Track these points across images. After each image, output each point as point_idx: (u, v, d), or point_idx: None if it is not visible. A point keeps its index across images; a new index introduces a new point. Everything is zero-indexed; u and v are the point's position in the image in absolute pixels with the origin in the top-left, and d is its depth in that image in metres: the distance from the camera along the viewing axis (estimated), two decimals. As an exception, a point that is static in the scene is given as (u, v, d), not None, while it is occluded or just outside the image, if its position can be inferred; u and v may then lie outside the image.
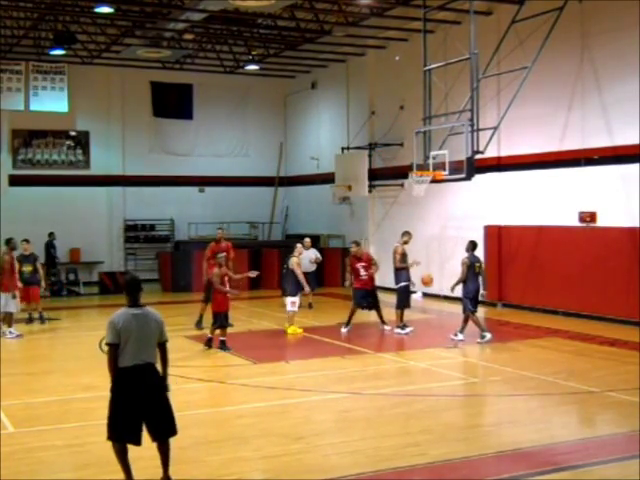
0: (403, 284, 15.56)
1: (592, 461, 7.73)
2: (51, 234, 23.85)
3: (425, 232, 21.89)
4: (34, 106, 24.70)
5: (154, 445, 8.22)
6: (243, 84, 27.81)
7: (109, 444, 8.37)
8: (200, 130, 27.70)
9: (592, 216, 16.98)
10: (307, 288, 15.87)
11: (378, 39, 22.88)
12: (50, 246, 23.82)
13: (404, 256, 15.51)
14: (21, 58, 24.16)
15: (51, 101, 24.91)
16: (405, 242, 15.70)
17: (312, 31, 22.00)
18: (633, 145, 15.93)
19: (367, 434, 8.73)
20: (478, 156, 16.24)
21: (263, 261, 24.86)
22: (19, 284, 15.47)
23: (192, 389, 11.06)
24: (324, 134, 26.85)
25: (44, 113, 24.94)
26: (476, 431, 8.86)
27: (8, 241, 15.75)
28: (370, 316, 20.35)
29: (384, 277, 23.70)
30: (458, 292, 14.58)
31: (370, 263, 15.76)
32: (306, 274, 19.10)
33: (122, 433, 6.82)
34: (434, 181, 16.74)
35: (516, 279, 18.79)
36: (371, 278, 15.73)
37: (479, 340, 14.21)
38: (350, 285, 16.04)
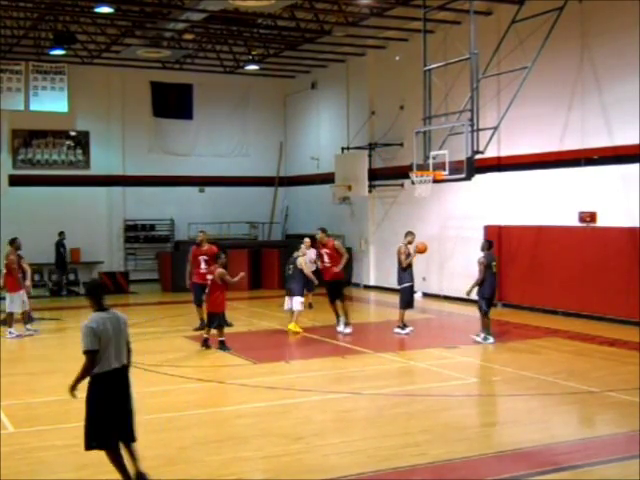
0: (407, 284, 15.55)
1: (592, 461, 7.73)
2: (61, 233, 23.96)
3: (425, 232, 21.84)
4: (34, 106, 24.70)
5: (154, 445, 8.24)
6: (243, 84, 27.81)
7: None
8: (200, 130, 27.70)
9: (592, 216, 16.98)
10: (316, 281, 16.43)
11: (378, 39, 22.88)
12: (60, 245, 23.90)
13: (408, 256, 15.49)
14: (21, 58, 24.16)
15: (51, 101, 24.91)
16: (409, 242, 15.68)
17: (312, 31, 22.00)
18: (633, 145, 15.93)
19: (367, 434, 8.73)
20: (478, 156, 16.24)
21: (263, 261, 24.88)
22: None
23: (192, 389, 11.07)
24: (324, 134, 26.86)
25: (44, 113, 24.94)
26: (476, 431, 8.86)
27: (12, 241, 15.78)
28: (370, 316, 20.38)
29: (386, 277, 23.77)
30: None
31: (335, 252, 15.74)
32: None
33: (112, 437, 6.76)
34: (434, 181, 16.73)
35: (516, 279, 18.79)
36: (330, 269, 15.69)
37: (479, 339, 14.22)
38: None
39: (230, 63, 25.66)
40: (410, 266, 15.44)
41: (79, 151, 26.20)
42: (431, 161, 16.74)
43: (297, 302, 15.71)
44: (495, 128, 16.81)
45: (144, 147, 26.94)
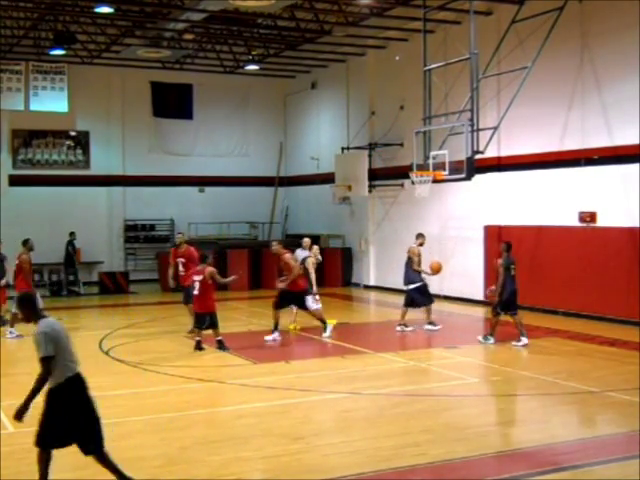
0: (419, 284, 15.68)
1: (592, 461, 7.73)
2: (72, 233, 24.06)
3: (425, 232, 21.72)
4: (34, 106, 24.71)
5: (154, 445, 8.24)
6: (243, 84, 27.81)
7: (109, 444, 8.37)
8: (200, 130, 27.69)
9: (592, 216, 16.98)
10: (315, 289, 15.91)
11: (378, 39, 22.88)
12: (70, 245, 23.94)
13: (420, 257, 15.67)
14: (21, 58, 24.16)
15: (51, 101, 24.92)
16: (421, 244, 15.90)
17: (312, 31, 21.99)
18: (633, 145, 15.93)
19: (367, 434, 8.73)
20: (478, 156, 16.24)
21: (263, 261, 24.88)
22: None
23: (192, 389, 11.07)
24: (324, 134, 26.85)
25: (44, 113, 24.95)
26: (476, 431, 8.85)
27: (26, 242, 15.90)
28: (370, 316, 20.38)
29: (386, 277, 23.78)
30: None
31: (286, 265, 14.98)
32: (306, 274, 19.19)
33: (62, 440, 6.67)
34: (434, 181, 16.74)
35: (516, 279, 18.74)
36: (293, 280, 14.91)
37: (480, 339, 14.22)
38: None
39: (230, 63, 25.66)
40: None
41: (79, 151, 26.20)
42: (431, 161, 16.74)
43: (310, 300, 15.75)
44: (495, 128, 16.81)
45: (144, 147, 26.94)
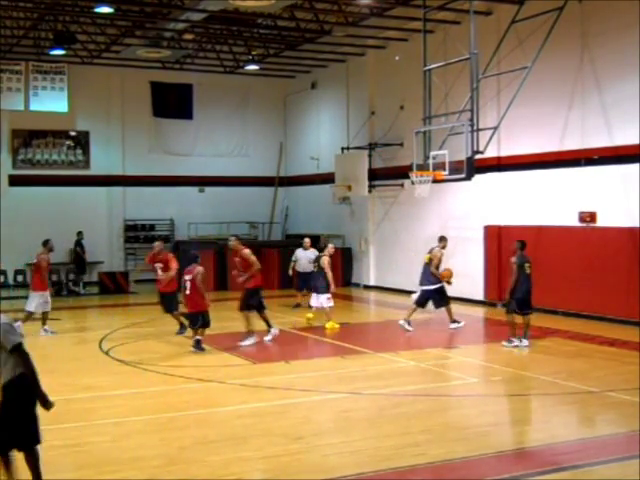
0: (438, 285, 15.75)
1: (592, 461, 7.73)
2: (80, 233, 24.14)
3: (425, 232, 21.86)
4: (34, 106, 24.70)
5: (154, 445, 8.25)
6: (243, 84, 27.80)
7: (109, 444, 8.40)
8: (200, 130, 27.68)
9: (592, 216, 16.98)
10: (333, 287, 16.28)
11: (378, 39, 22.88)
12: (78, 245, 23.95)
13: (440, 261, 15.79)
14: (21, 58, 24.15)
15: (51, 101, 24.91)
16: (443, 247, 16.01)
17: (312, 31, 21.99)
18: (633, 145, 15.92)
19: (367, 434, 8.73)
20: (478, 156, 16.24)
21: (263, 261, 24.82)
22: None
23: (192, 389, 11.07)
24: (324, 134, 26.85)
25: (44, 113, 24.94)
26: (476, 431, 8.85)
27: (46, 242, 16.23)
28: (370, 316, 20.38)
29: (386, 277, 23.79)
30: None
31: (245, 261, 14.47)
32: (305, 274, 19.23)
33: (10, 441, 6.52)
34: (434, 181, 16.74)
35: (531, 278, 18.73)
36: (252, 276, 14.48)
37: (504, 342, 13.93)
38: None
39: (230, 63, 25.65)
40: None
41: (79, 151, 26.19)
42: (431, 161, 16.74)
43: (325, 299, 16.09)
44: (495, 128, 16.81)
45: (144, 147, 26.94)
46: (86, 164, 26.26)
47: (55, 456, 8.03)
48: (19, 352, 6.41)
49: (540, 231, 18.07)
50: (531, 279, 13.96)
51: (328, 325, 16.09)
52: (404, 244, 22.87)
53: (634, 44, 15.71)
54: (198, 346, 13.50)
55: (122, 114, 26.54)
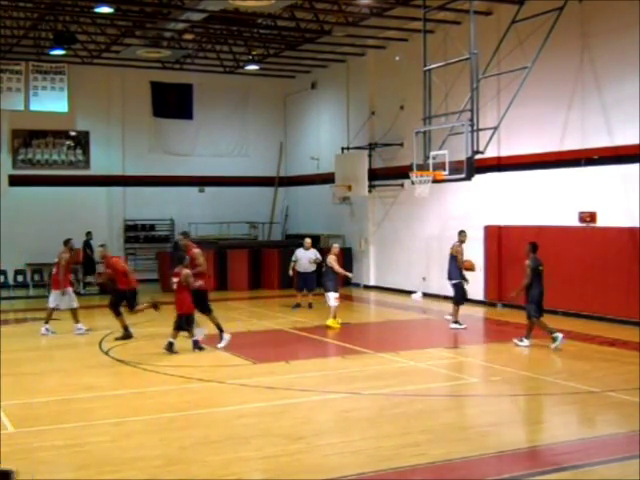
0: (456, 281, 16.04)
1: (592, 461, 7.72)
2: (89, 233, 24.17)
3: (425, 232, 21.92)
4: (34, 106, 24.71)
5: (154, 445, 8.25)
6: (243, 84, 27.81)
7: (109, 444, 8.40)
8: (200, 130, 27.70)
9: (592, 216, 16.98)
10: (350, 275, 17.03)
11: (378, 39, 22.88)
12: (86, 245, 23.97)
13: (462, 255, 16.06)
14: (21, 58, 24.16)
15: (51, 101, 24.92)
16: (462, 241, 16.21)
17: (312, 31, 22.00)
18: (633, 145, 15.93)
19: (367, 434, 8.73)
20: (478, 156, 16.24)
21: (263, 261, 24.88)
22: None
23: (192, 389, 11.07)
24: (324, 134, 26.85)
25: (44, 113, 24.95)
26: (476, 431, 8.86)
27: (67, 241, 16.51)
28: (370, 316, 20.38)
29: (386, 277, 23.79)
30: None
31: (193, 260, 14.10)
32: (306, 274, 19.24)
33: None
34: (434, 181, 16.74)
35: (516, 279, 18.67)
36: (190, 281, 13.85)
37: (553, 345, 13.58)
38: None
39: (230, 63, 25.66)
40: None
41: (79, 151, 26.20)
42: (431, 161, 16.74)
43: (332, 298, 16.24)
44: (495, 128, 16.81)
45: (144, 147, 26.95)
46: (86, 164, 26.26)
47: (55, 456, 8.04)
48: None
49: (540, 231, 18.06)
50: (542, 281, 13.92)
51: (329, 322, 16.17)
52: (404, 244, 22.88)
53: (634, 44, 15.71)
54: (170, 348, 13.32)
55: (122, 114, 26.55)
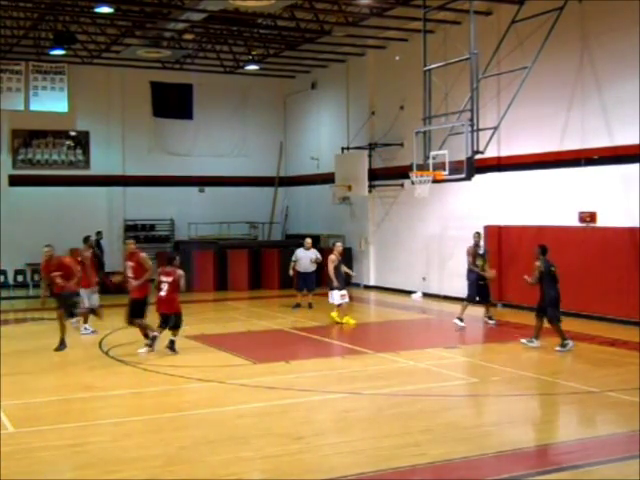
0: (472, 280, 16.40)
1: (592, 461, 7.72)
2: (99, 233, 24.14)
3: (425, 232, 21.91)
4: (34, 106, 24.70)
5: (154, 445, 8.25)
6: (243, 84, 27.80)
7: (109, 444, 8.41)
8: (200, 130, 27.69)
9: (592, 216, 16.98)
10: (353, 273, 17.39)
11: (378, 39, 22.88)
12: (96, 245, 23.93)
13: (473, 257, 16.42)
14: (21, 58, 24.15)
15: (51, 101, 24.91)
16: (476, 244, 16.65)
17: (312, 31, 22.00)
18: (633, 145, 15.92)
19: (367, 434, 8.73)
20: (478, 156, 16.24)
21: (263, 261, 24.87)
22: None
23: (192, 389, 11.08)
24: (324, 134, 26.85)
25: (44, 113, 24.94)
26: (476, 431, 8.86)
27: (87, 239, 16.60)
28: (370, 316, 20.37)
29: (386, 277, 23.78)
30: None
31: (139, 265, 13.71)
32: (306, 274, 19.25)
33: None
34: (434, 181, 16.74)
35: (516, 279, 18.73)
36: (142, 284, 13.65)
37: (559, 348, 13.48)
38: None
39: (230, 63, 25.66)
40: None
41: (79, 151, 26.19)
42: (431, 161, 16.75)
43: (338, 296, 16.47)
44: (495, 128, 16.82)
45: (144, 147, 26.94)
46: (86, 164, 26.25)
47: (55, 456, 8.04)
48: None
49: (540, 231, 18.06)
50: (557, 284, 13.66)
51: (333, 314, 16.55)
52: (404, 244, 22.88)
53: (634, 44, 15.71)
54: (172, 347, 13.31)
55: (122, 114, 26.54)
